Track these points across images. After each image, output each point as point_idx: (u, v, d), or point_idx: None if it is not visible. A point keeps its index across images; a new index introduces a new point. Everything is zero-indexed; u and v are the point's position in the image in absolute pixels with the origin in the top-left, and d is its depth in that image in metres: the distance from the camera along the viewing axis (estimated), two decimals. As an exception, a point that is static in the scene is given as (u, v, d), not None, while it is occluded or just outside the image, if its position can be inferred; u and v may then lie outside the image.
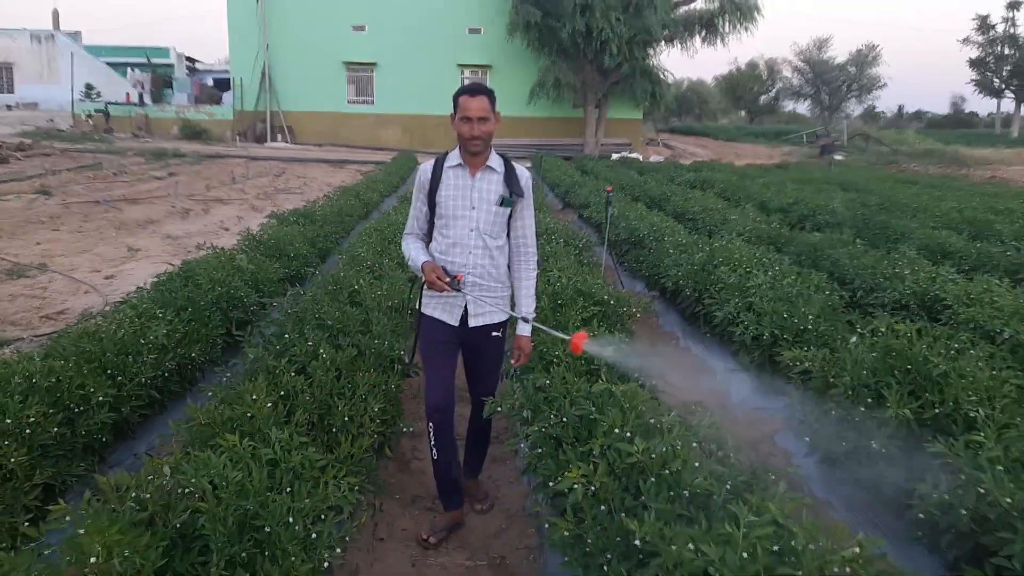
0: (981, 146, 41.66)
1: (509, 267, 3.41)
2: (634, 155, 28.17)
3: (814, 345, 4.23)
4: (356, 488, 2.71)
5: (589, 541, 2.39)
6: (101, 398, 3.44)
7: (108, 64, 40.74)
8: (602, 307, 4.87)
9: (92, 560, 1.98)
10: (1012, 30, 52.95)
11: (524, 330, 3.35)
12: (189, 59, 47.50)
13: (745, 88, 71.00)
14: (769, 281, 5.24)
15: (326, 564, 2.26)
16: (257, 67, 31.33)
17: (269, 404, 3.08)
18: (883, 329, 3.89)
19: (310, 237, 8.06)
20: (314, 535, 2.28)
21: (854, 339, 3.89)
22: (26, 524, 2.66)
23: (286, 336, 4.08)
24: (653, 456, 2.62)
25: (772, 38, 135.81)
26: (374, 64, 32.33)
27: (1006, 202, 12.45)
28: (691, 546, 2.07)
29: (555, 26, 27.29)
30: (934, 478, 2.84)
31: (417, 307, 3.41)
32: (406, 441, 4.24)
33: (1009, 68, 53.29)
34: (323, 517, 2.37)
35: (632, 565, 2.18)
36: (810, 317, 4.56)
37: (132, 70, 38.25)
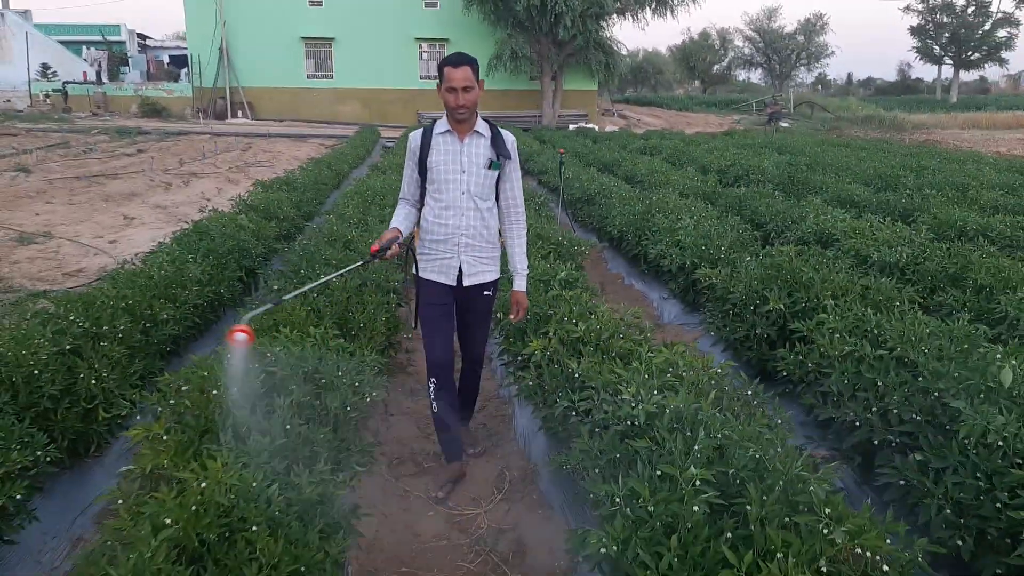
0: (922, 111, 43.55)
1: (499, 229, 3.61)
2: (590, 125, 29.20)
3: (724, 268, 5.32)
4: (375, 363, 3.72)
5: (545, 385, 3.45)
6: (165, 316, 4.40)
7: (60, 42, 40.33)
8: (556, 246, 5.92)
9: (214, 392, 2.96)
10: (950, -2, 55.06)
11: (520, 286, 3.60)
12: (140, 35, 47.05)
13: (698, 58, 72.19)
14: (693, 224, 6.34)
15: (368, 399, 3.28)
16: (215, 43, 31.49)
17: (304, 313, 4.07)
18: (772, 252, 5.00)
19: (295, 202, 8.96)
20: (357, 383, 3.30)
21: (748, 259, 5.00)
22: (134, 393, 3.62)
23: (301, 271, 5.05)
24: (591, 332, 3.68)
25: (724, 8, 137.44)
26: (332, 39, 32.73)
27: (924, 161, 13.76)
28: (611, 374, 3.13)
29: None
30: (792, 347, 3.95)
31: (415, 272, 3.61)
32: (402, 355, 5.24)
33: (948, 35, 55.39)
34: (362, 375, 3.38)
35: (574, 392, 3.23)
36: (723, 248, 5.66)
37: (88, 48, 37.97)
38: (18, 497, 2.77)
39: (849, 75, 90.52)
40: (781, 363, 3.92)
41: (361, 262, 3.48)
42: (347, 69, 32.95)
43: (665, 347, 3.28)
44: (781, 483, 2.32)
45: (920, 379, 3.16)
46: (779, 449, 2.59)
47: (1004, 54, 55.41)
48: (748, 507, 2.19)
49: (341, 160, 14.68)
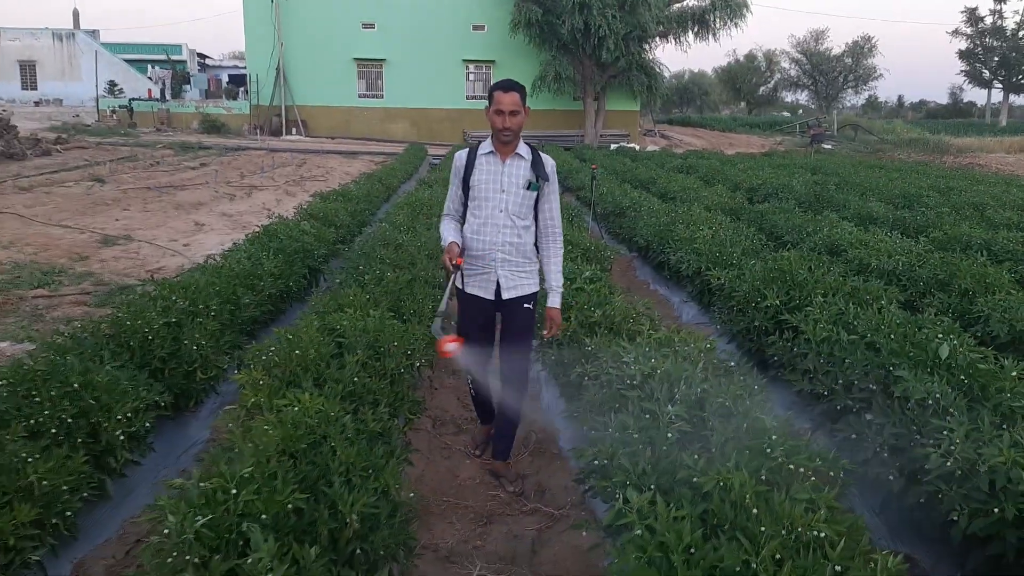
0: (971, 135, 43.23)
1: (536, 245, 3.79)
2: (631, 145, 29.82)
3: (732, 270, 5.94)
4: (422, 339, 4.43)
5: (565, 359, 4.12)
6: (247, 300, 5.19)
7: (126, 60, 42.57)
8: (585, 251, 6.59)
9: (296, 352, 3.70)
10: (999, 22, 54.51)
11: (555, 302, 3.77)
12: (200, 55, 49.31)
13: (744, 79, 72.44)
14: (711, 234, 6.96)
15: (418, 366, 3.99)
16: (272, 64, 33.01)
17: (364, 299, 4.81)
18: (776, 257, 5.60)
19: (350, 211, 9.79)
20: (410, 352, 4.01)
21: (753, 262, 5.61)
22: (226, 358, 4.40)
23: (360, 267, 5.81)
24: (606, 317, 4.35)
25: (772, 30, 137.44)
26: (383, 60, 34.00)
27: (952, 182, 14.12)
28: (618, 347, 3.79)
29: (555, 23, 28.95)
30: (784, 335, 4.55)
31: (459, 285, 3.76)
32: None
33: (997, 59, 54.80)
34: (412, 347, 4.10)
35: (587, 362, 3.89)
36: (735, 255, 6.27)
37: (153, 67, 39.98)
38: (147, 425, 3.54)
39: (900, 97, 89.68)
40: (772, 348, 4.54)
41: (455, 272, 3.58)
42: (397, 89, 34.18)
43: (666, 329, 3.93)
44: (745, 425, 2.96)
45: (879, 357, 3.76)
46: (748, 402, 3.22)
47: (1056, 78, 54.75)
48: (712, 435, 2.84)
49: (391, 175, 15.57)
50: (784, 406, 4.43)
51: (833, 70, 62.02)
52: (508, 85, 3.52)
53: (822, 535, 2.23)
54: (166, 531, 2.32)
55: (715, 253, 6.39)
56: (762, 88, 73.48)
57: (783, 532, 2.28)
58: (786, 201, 10.30)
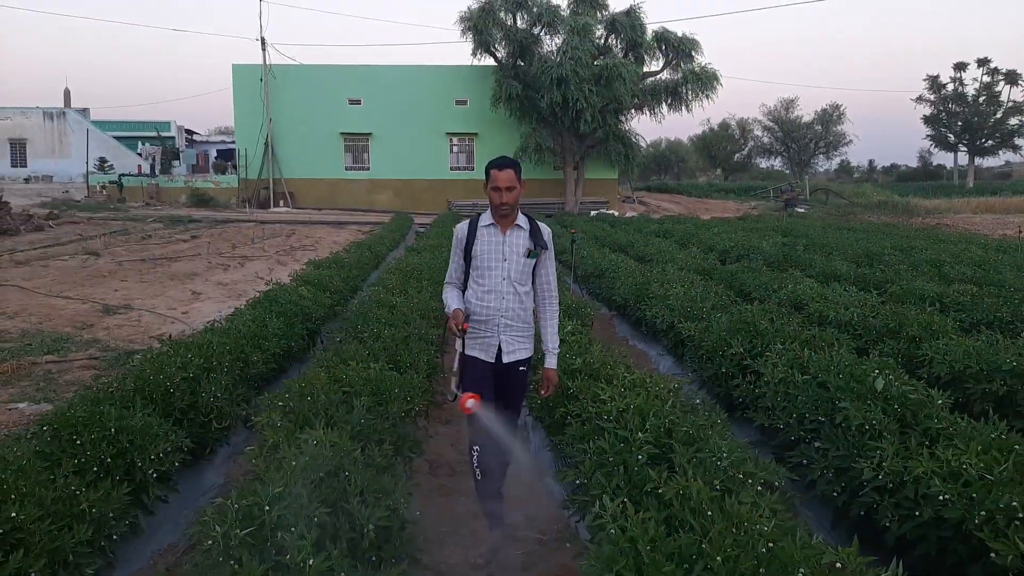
0: (940, 197, 44.83)
1: (534, 311, 3.97)
2: (610, 212, 30.78)
3: (702, 323, 6.46)
4: (419, 387, 4.88)
5: (549, 401, 4.56)
6: (255, 358, 5.62)
7: (115, 137, 43.55)
8: (567, 308, 7.10)
9: (308, 398, 4.13)
10: (960, 88, 56.99)
11: (551, 363, 3.92)
12: (188, 131, 50.47)
13: (719, 147, 74.80)
14: (683, 291, 7.51)
15: (415, 410, 4.43)
16: (261, 139, 34.00)
17: (365, 353, 5.27)
18: (740, 310, 6.13)
19: (343, 277, 10.29)
20: (409, 398, 4.46)
21: (720, 315, 6.13)
22: (239, 409, 4.81)
23: (359, 325, 6.28)
24: (586, 364, 4.83)
25: (744, 99, 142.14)
26: (369, 134, 35.13)
27: (914, 242, 14.87)
28: (597, 388, 4.25)
29: (534, 97, 30.24)
30: (747, 378, 5.04)
31: (460, 349, 3.89)
32: (439, 396, 6.38)
33: (960, 124, 57.10)
34: (410, 394, 4.55)
35: (569, 402, 4.34)
36: (704, 308, 6.80)
37: (143, 144, 40.93)
38: (176, 464, 3.94)
39: (871, 162, 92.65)
40: (737, 390, 5.01)
41: (460, 334, 3.74)
42: (383, 161, 35.24)
43: (639, 372, 4.41)
44: (707, 448, 3.42)
45: (828, 393, 4.25)
46: (709, 431, 3.69)
47: (1018, 140, 56.98)
48: (676, 457, 3.29)
49: (379, 243, 16.17)
50: (747, 440, 4.89)
51: (804, 137, 64.25)
52: (503, 163, 3.70)
53: (765, 528, 2.67)
54: (210, 541, 2.73)
55: (686, 308, 6.92)
56: (736, 155, 75.81)
57: (733, 529, 2.73)
58: (756, 261, 10.92)
